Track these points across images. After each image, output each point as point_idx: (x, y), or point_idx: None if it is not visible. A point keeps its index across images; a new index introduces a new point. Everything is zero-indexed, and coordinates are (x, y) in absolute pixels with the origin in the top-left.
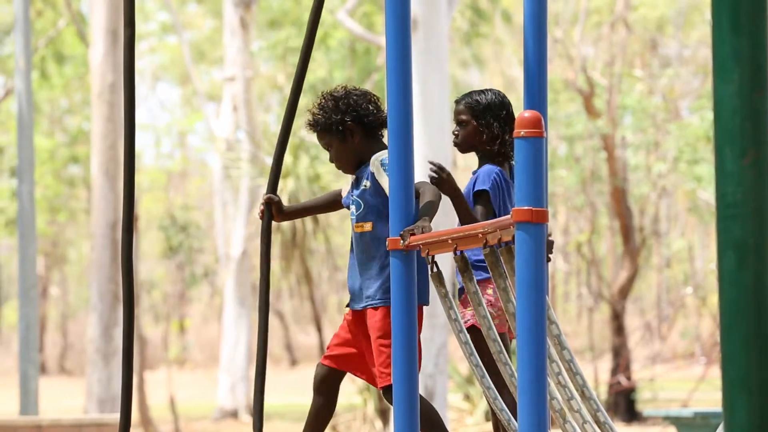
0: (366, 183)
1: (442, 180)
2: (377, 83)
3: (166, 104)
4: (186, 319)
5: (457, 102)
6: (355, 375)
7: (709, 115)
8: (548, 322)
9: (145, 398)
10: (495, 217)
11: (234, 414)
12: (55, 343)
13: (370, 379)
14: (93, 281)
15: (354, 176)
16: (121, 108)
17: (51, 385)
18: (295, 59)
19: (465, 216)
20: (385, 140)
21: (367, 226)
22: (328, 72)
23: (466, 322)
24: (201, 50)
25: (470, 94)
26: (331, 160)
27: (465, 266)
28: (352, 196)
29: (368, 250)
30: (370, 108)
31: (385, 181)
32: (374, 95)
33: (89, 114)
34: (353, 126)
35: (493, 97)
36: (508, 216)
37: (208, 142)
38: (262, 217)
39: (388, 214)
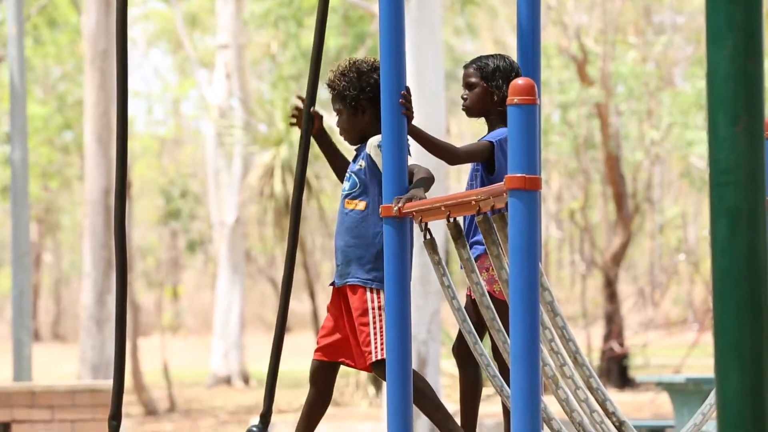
0: (361, 163)
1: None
2: (371, 50)
3: (159, 71)
4: (179, 286)
5: (465, 67)
6: (346, 364)
7: (701, 83)
8: (541, 288)
9: (138, 365)
10: (489, 170)
11: (227, 380)
12: (49, 309)
13: (360, 364)
14: (86, 248)
15: (355, 151)
16: (114, 75)
17: (44, 351)
18: (287, 26)
19: (426, 141)
20: None
21: (360, 205)
22: None
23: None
24: (194, 17)
25: (479, 58)
26: (338, 124)
27: (458, 233)
28: (348, 171)
29: (356, 228)
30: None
31: (379, 160)
32: None
33: (82, 81)
34: (366, 104)
35: (502, 60)
36: (501, 183)
37: (201, 109)
38: (296, 125)
39: (381, 196)
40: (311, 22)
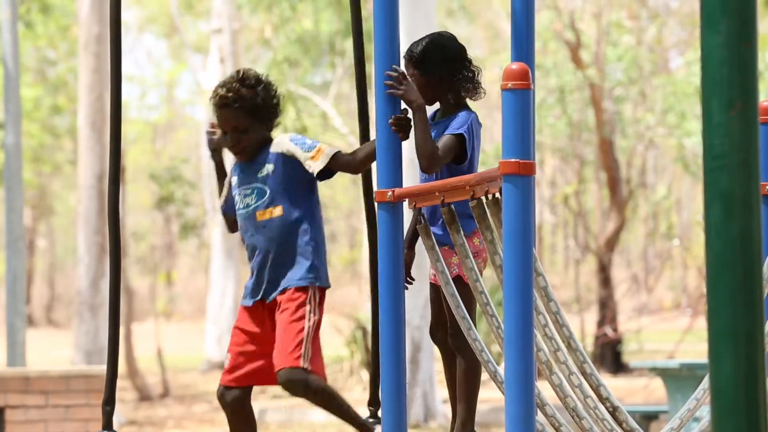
0: (269, 167)
1: (405, 91)
2: (365, 34)
3: (153, 56)
4: (173, 272)
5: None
6: (265, 384)
7: (696, 67)
8: (535, 274)
9: (132, 350)
10: (459, 161)
11: (221, 366)
12: (43, 294)
13: (271, 377)
14: (80, 233)
15: (242, 167)
16: (108, 60)
17: (38, 336)
18: (281, 10)
19: (422, 133)
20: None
21: (277, 211)
22: (314, 23)
23: (452, 272)
24: (188, 1)
25: (409, 47)
26: (236, 143)
27: (452, 218)
28: (245, 188)
29: (281, 234)
30: (279, 102)
31: (300, 153)
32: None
33: (73, 65)
34: (269, 114)
35: (429, 43)
36: (495, 168)
37: (194, 94)
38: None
39: (297, 195)
40: (304, 6)
